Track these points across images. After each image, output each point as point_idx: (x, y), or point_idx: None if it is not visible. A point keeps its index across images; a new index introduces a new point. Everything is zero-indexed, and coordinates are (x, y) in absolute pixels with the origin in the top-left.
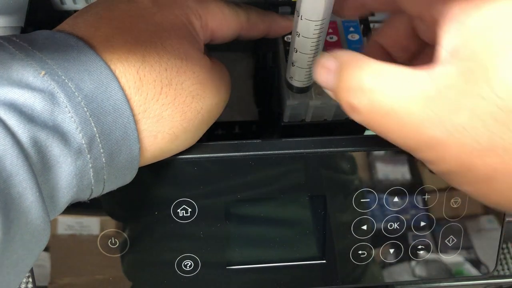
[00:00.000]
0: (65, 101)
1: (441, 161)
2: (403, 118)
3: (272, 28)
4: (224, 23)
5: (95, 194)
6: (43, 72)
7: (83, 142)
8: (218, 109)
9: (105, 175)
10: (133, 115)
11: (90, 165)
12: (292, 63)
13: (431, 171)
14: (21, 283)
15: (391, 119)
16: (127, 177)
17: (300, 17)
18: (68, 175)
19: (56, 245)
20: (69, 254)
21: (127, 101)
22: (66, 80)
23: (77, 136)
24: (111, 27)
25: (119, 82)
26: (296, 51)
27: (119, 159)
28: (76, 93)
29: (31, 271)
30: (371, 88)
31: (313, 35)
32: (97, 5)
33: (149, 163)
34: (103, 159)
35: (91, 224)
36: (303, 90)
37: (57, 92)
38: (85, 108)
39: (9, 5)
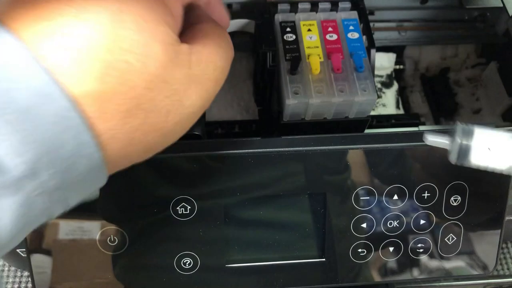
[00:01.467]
0: None
1: None
2: None
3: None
4: None
5: (56, 213)
6: None
7: (22, 169)
8: (202, 109)
9: (61, 195)
10: (91, 130)
11: (37, 191)
12: None
13: None
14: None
15: None
16: (96, 185)
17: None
18: (9, 208)
19: (56, 247)
20: (67, 252)
21: (75, 107)
22: None
23: (12, 163)
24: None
25: (61, 88)
26: None
27: (77, 173)
28: (7, 110)
29: (31, 276)
30: None
31: None
32: None
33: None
34: (54, 182)
35: (90, 224)
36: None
37: None
38: (19, 127)
39: None
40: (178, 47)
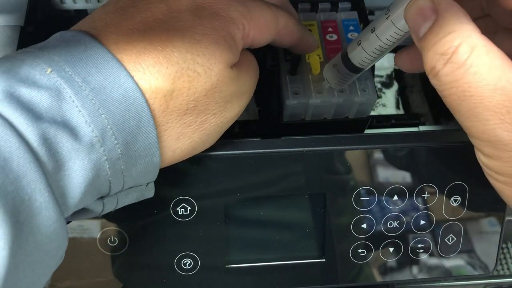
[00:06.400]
0: (72, 96)
1: (496, 158)
2: (481, 109)
3: (301, 41)
4: (265, 30)
5: (115, 188)
6: (49, 70)
7: (95, 135)
8: (237, 116)
9: (122, 165)
10: (148, 105)
11: (105, 157)
12: (358, 42)
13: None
14: None
15: (468, 102)
16: (150, 170)
17: (387, 16)
18: (83, 169)
19: None
20: (67, 250)
21: (138, 88)
22: (73, 75)
23: (87, 129)
24: (142, 43)
25: (127, 71)
26: (373, 30)
27: (136, 148)
28: (83, 87)
29: None
30: (466, 63)
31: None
32: (124, 12)
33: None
34: (119, 150)
35: (91, 223)
36: (357, 71)
37: (64, 88)
38: (93, 101)
39: (9, 4)
40: (234, 69)
